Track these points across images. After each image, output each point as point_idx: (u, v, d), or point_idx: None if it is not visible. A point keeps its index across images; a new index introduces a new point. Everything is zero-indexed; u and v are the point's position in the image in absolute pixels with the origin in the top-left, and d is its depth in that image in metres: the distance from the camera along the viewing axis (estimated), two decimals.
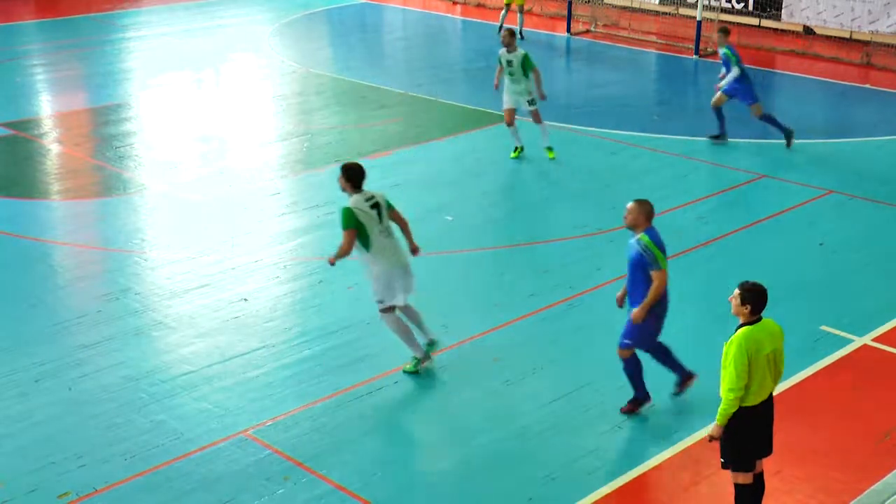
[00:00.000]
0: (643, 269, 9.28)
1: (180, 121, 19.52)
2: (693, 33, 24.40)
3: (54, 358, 10.99)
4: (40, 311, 12.15)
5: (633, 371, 9.77)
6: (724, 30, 17.82)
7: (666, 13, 27.31)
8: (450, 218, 14.77)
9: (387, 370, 10.73)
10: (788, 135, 17.40)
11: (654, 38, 25.63)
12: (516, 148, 16.99)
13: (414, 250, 10.72)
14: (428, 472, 9.38)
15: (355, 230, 10.09)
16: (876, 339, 11.43)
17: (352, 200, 10.22)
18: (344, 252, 10.14)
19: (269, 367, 10.83)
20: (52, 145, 18.23)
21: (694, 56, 24.15)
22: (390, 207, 10.52)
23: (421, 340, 10.72)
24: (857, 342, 11.35)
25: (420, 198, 15.35)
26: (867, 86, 22.01)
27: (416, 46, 26.27)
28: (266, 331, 11.59)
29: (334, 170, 16.32)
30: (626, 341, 9.61)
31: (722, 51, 17.43)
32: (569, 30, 26.47)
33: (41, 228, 14.63)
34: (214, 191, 15.85)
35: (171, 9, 29.58)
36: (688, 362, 9.98)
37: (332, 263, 10.36)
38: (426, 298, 11.27)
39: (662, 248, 9.31)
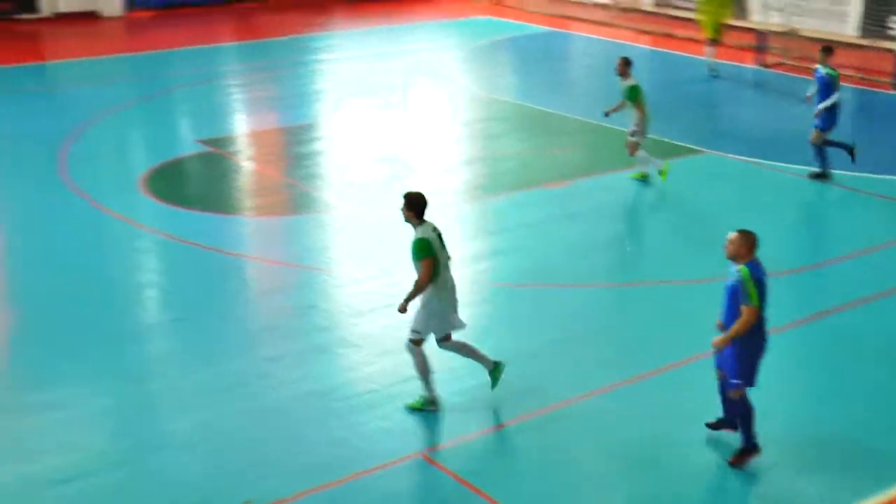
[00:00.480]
0: (738, 301, 9.08)
1: (367, 142, 19.85)
2: (892, 67, 23.64)
3: (242, 369, 11.31)
4: (230, 322, 12.54)
5: (746, 414, 9.41)
6: (828, 49, 17.01)
7: (863, 46, 26.50)
8: (628, 249, 14.65)
9: (561, 401, 10.66)
10: (850, 150, 16.78)
11: (850, 71, 24.91)
12: (660, 171, 16.92)
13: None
14: None
15: (433, 259, 10.05)
16: None
17: (420, 231, 10.18)
18: (423, 284, 10.03)
19: (448, 390, 10.89)
20: (246, 163, 18.82)
21: (893, 91, 23.38)
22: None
23: (487, 367, 10.59)
24: None
25: (597, 228, 15.30)
26: None
27: (601, 75, 26.05)
28: (446, 354, 11.66)
29: (516, 196, 16.66)
30: (736, 381, 9.28)
31: (824, 72, 16.64)
32: (760, 62, 25.95)
33: (234, 243, 15.07)
34: (395, 212, 16.01)
35: (362, 33, 30.21)
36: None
37: (404, 310, 10.14)
38: (616, 333, 11.16)
39: (760, 284, 9.05)
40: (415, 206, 10.24)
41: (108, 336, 12.06)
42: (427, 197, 10.33)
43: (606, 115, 17.25)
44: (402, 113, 22.32)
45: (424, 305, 10.25)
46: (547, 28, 30.60)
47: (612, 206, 16.48)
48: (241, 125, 21.66)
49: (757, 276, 9.04)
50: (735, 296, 9.14)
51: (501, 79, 25.30)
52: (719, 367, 9.51)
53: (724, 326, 9.38)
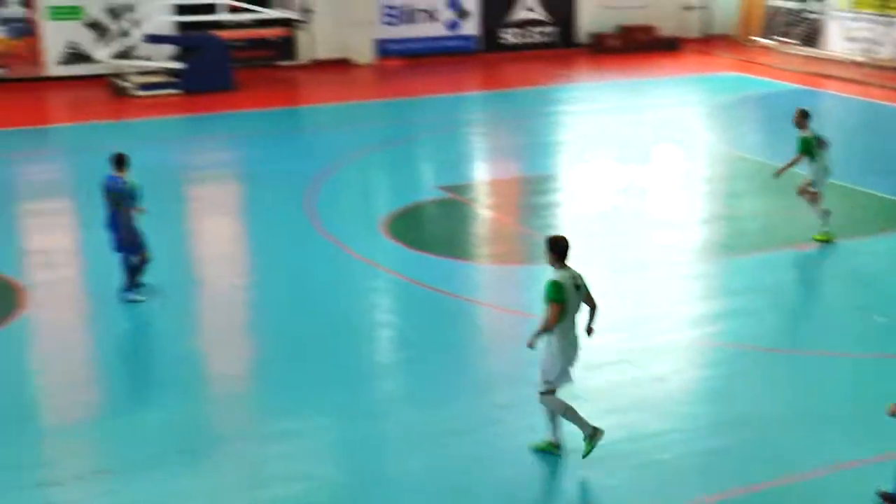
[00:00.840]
0: None
1: (605, 196, 19.82)
2: None
3: (473, 413, 11.42)
4: (462, 366, 12.71)
5: None
6: None
7: None
8: (881, 319, 14.00)
9: (801, 472, 10.29)
10: None
11: None
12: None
13: (589, 331, 10.59)
14: None
15: (562, 305, 9.98)
16: None
17: (558, 275, 10.12)
18: (549, 327, 10.01)
19: (677, 451, 10.69)
20: (484, 210, 19.08)
21: None
22: (587, 289, 10.38)
23: (586, 432, 10.25)
24: None
25: (844, 294, 14.77)
26: None
27: (855, 136, 25.21)
28: (677, 415, 11.46)
29: (758, 257, 16.25)
30: None
31: None
32: None
33: (469, 288, 15.26)
34: (632, 267, 15.93)
35: (605, 86, 30.28)
36: None
37: (532, 346, 10.19)
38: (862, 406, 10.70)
39: None
40: (555, 249, 10.33)
41: (345, 371, 12.39)
42: (569, 242, 10.37)
43: (777, 175, 16.89)
44: (643, 168, 22.15)
45: (549, 349, 10.29)
46: (797, 85, 29.76)
47: (862, 272, 15.85)
48: (481, 173, 22.02)
49: None
50: None
51: (747, 136, 24.80)
52: None
53: None
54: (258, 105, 27.33)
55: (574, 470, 10.30)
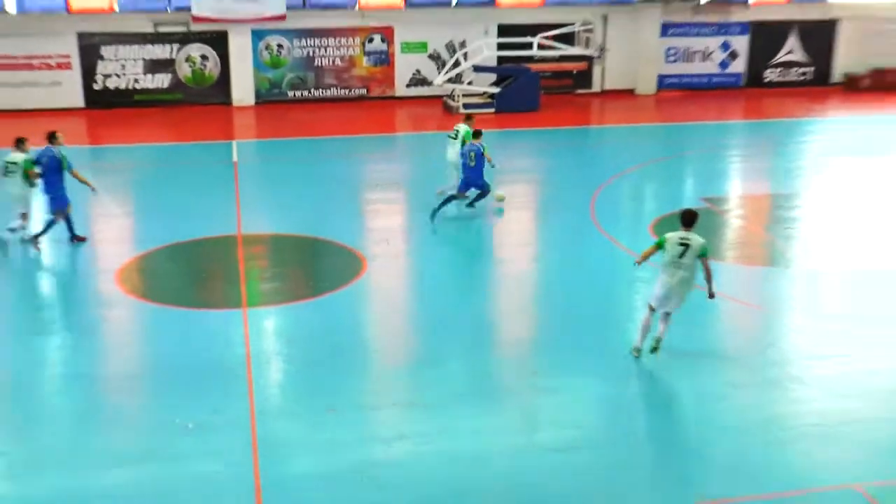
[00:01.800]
0: None
1: (840, 213, 18.62)
2: None
3: (707, 391, 11.13)
4: (704, 344, 12.37)
5: None
6: None
7: None
8: None
9: None
10: None
11: None
12: None
13: (711, 295, 11.46)
14: None
15: (661, 247, 11.43)
16: None
17: (670, 233, 11.43)
18: (641, 257, 11.80)
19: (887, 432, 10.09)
20: (735, 220, 18.49)
21: None
22: (703, 255, 11.23)
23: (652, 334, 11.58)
24: None
25: None
26: None
27: None
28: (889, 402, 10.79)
29: None
30: None
31: None
32: None
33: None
34: (861, 273, 14.96)
35: (855, 119, 28.52)
36: None
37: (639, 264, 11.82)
38: None
39: None
40: (681, 218, 11.48)
41: (605, 343, 12.38)
42: (696, 214, 11.54)
43: None
44: (878, 191, 20.74)
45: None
46: None
47: None
48: (736, 188, 21.35)
49: None
50: None
51: None
52: None
53: None
54: (558, 124, 27.55)
55: (789, 444, 9.93)
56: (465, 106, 28.33)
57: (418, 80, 30.87)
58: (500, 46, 29.94)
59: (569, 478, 9.26)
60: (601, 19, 30.24)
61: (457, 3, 30.66)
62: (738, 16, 32.56)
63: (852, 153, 24.11)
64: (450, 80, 29.42)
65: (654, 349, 11.59)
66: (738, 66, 33.17)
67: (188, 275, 15.30)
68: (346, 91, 30.69)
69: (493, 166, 18.33)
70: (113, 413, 10.60)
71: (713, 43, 32.77)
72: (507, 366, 11.95)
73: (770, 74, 33.48)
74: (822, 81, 33.68)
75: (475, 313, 13.60)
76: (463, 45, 30.38)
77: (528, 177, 22.02)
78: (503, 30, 30.60)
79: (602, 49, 30.98)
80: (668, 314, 11.60)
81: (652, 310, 11.68)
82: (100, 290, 14.45)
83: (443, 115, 28.24)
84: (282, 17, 28.88)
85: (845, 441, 9.93)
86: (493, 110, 28.45)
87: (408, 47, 30.62)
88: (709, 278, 11.37)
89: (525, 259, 16.20)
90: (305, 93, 30.42)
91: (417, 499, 8.94)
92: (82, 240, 16.21)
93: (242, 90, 29.79)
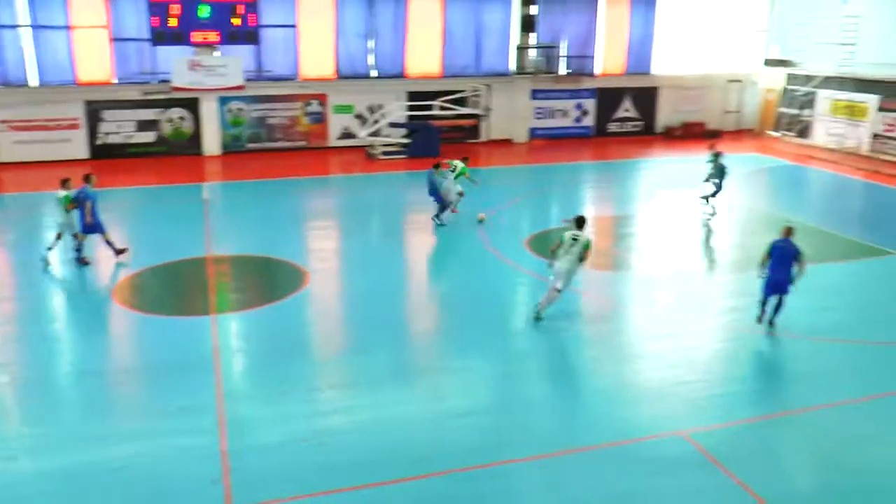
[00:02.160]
0: None
1: (666, 228, 19.11)
2: None
3: (574, 363, 11.17)
4: (569, 331, 12.41)
5: None
6: None
7: None
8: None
9: (804, 406, 9.74)
10: None
11: None
12: None
13: (581, 259, 12.33)
14: None
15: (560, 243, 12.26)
16: None
17: (568, 232, 12.38)
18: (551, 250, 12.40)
19: (703, 393, 10.25)
20: (589, 236, 18.57)
21: None
22: (586, 247, 12.18)
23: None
24: None
25: (819, 300, 13.91)
26: None
27: (828, 198, 23.65)
28: (705, 370, 10.96)
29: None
30: None
31: None
32: None
33: (576, 284, 14.94)
34: (683, 276, 15.34)
35: (668, 160, 29.17)
36: None
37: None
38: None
39: None
40: (576, 221, 12.52)
41: (495, 331, 12.39)
42: (585, 218, 12.42)
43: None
44: (690, 210, 21.24)
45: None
46: (793, 163, 28.22)
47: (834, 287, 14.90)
48: (588, 211, 21.40)
49: None
50: None
51: (762, 195, 23.53)
52: None
53: None
54: None
55: (633, 408, 10.03)
56: (385, 153, 28.18)
57: (346, 134, 30.58)
58: (410, 108, 29.88)
59: (471, 434, 9.24)
60: (486, 87, 30.47)
61: (377, 76, 30.55)
62: (588, 84, 33.17)
63: (670, 184, 24.73)
64: (371, 134, 29.26)
65: (536, 317, 12.38)
66: (589, 120, 33.68)
67: (169, 289, 14.77)
68: (291, 143, 30.25)
69: (475, 182, 19.94)
70: (111, 399, 10.29)
71: (570, 104, 33.25)
72: (421, 353, 11.88)
73: (612, 127, 34.11)
74: (649, 132, 34.45)
75: (395, 314, 13.48)
76: (381, 107, 30.22)
77: (432, 208, 21.87)
78: (412, 95, 30.53)
79: (487, 109, 31.21)
80: (557, 290, 12.29)
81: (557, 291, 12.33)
82: (100, 302, 13.94)
83: (365, 161, 28.01)
84: (241, 88, 28.36)
85: (674, 399, 10.11)
86: (405, 156, 28.36)
87: (338, 109, 30.32)
88: (584, 259, 12.38)
89: (433, 271, 16.15)
90: (260, 145, 29.90)
91: (356, 458, 8.78)
92: (87, 262, 15.57)
93: (211, 143, 29.12)
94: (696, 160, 28.53)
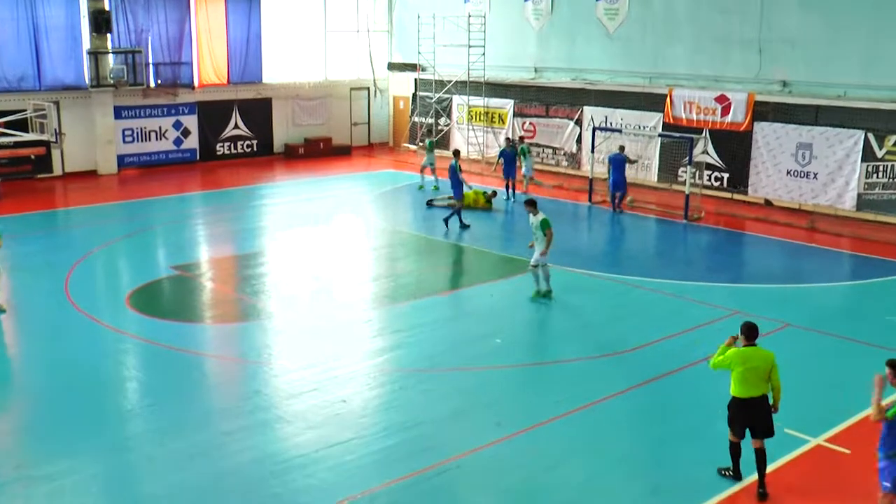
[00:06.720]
0: None
1: (299, 264, 19.79)
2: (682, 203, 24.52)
3: (205, 440, 11.09)
4: (195, 405, 12.27)
5: None
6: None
7: (663, 188, 27.48)
8: (499, 341, 14.71)
9: (450, 457, 10.60)
10: None
11: (653, 206, 25.69)
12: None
13: (542, 253, 16.48)
14: None
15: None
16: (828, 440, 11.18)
17: (540, 215, 16.56)
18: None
19: (360, 453, 10.78)
20: (207, 283, 18.57)
21: (683, 220, 24.18)
22: (543, 227, 16.29)
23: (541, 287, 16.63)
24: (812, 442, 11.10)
25: (473, 326, 15.43)
26: (812, 244, 21.80)
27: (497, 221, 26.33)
28: (359, 425, 11.56)
29: (414, 303, 16.68)
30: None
31: None
32: (590, 199, 26.63)
33: (196, 344, 14.80)
34: (323, 317, 15.99)
35: (295, 183, 30.16)
36: None
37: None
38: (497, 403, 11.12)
39: None
40: (532, 204, 16.70)
41: (97, 417, 11.75)
42: None
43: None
44: (326, 242, 22.27)
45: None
46: (433, 177, 30.83)
47: (485, 309, 16.61)
48: (204, 254, 21.30)
49: None
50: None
51: (400, 215, 25.34)
52: None
53: None
54: (21, 210, 25.29)
55: (280, 476, 10.16)
56: None
57: None
58: None
59: None
60: (53, 105, 28.46)
61: None
62: (186, 97, 32.82)
63: (296, 210, 25.53)
64: None
65: (541, 295, 16.64)
66: (192, 142, 33.33)
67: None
68: None
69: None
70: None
71: (166, 122, 32.58)
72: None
73: (221, 148, 34.16)
74: (267, 152, 35.13)
75: None
76: None
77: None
78: None
79: (58, 133, 29.19)
80: (533, 266, 16.49)
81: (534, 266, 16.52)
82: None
83: None
84: None
85: (321, 466, 10.42)
86: None
87: None
88: (548, 243, 16.34)
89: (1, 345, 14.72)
90: None
91: None
92: None
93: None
94: (323, 181, 29.94)
